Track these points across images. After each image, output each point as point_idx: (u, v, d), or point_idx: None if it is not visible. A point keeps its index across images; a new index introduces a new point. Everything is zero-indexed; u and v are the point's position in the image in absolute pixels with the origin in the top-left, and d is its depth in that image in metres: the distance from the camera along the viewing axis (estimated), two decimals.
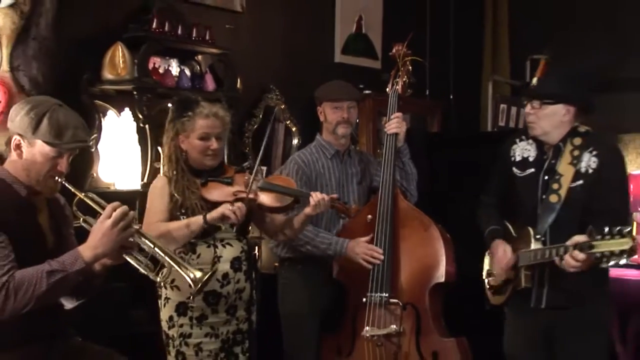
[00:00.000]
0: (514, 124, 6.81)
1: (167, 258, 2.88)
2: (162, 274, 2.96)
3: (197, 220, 3.38)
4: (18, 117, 2.81)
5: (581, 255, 3.11)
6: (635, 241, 3.08)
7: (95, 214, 2.85)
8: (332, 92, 4.14)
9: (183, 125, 3.49)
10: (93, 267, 2.85)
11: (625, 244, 3.02)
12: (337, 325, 4.06)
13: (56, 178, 2.86)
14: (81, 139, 2.89)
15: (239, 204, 3.36)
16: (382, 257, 3.85)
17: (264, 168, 5.22)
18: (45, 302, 2.69)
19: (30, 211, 2.90)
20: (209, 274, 2.98)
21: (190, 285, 2.93)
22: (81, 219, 2.94)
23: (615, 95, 6.83)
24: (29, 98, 3.01)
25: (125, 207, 2.76)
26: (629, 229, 3.05)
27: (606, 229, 3.04)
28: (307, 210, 3.58)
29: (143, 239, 2.88)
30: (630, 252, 3.05)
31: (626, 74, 7.00)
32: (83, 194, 2.89)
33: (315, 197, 3.52)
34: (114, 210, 2.74)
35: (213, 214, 3.37)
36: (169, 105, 4.32)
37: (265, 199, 3.51)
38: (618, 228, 3.04)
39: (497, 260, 3.60)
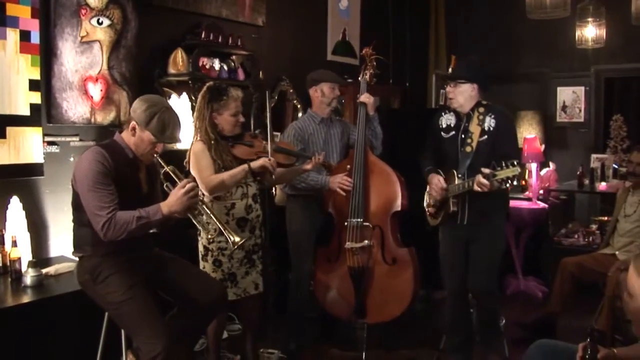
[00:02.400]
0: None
1: (217, 223, 2.90)
2: (211, 232, 3.06)
3: (244, 169, 3.35)
4: (138, 111, 2.81)
5: (485, 181, 3.21)
6: (527, 181, 3.19)
7: (173, 181, 2.89)
8: (331, 78, 4.11)
9: (219, 105, 3.41)
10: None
11: (515, 171, 3.13)
12: (328, 241, 4.11)
13: (154, 154, 2.90)
14: (175, 138, 2.90)
15: (273, 159, 3.36)
16: (351, 185, 3.89)
17: (277, 134, 5.25)
18: (133, 235, 2.72)
19: (134, 168, 2.92)
20: (244, 240, 2.99)
21: (232, 244, 2.93)
22: (165, 185, 2.97)
23: (513, 85, 6.96)
24: (149, 97, 2.93)
25: (194, 183, 2.79)
26: (516, 161, 3.16)
27: (503, 163, 3.16)
28: (307, 167, 3.65)
29: (204, 206, 2.90)
30: (519, 177, 3.19)
31: (520, 70, 7.10)
32: (169, 167, 2.88)
33: (315, 159, 3.61)
34: (188, 183, 2.77)
35: (255, 164, 3.35)
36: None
37: (279, 157, 3.51)
38: (510, 162, 3.15)
39: (433, 185, 3.65)
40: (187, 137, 4.40)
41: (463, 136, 3.60)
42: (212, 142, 3.41)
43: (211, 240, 3.47)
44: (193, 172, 3.40)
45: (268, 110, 3.65)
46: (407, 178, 4.04)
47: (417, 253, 4.00)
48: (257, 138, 3.61)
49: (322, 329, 4.42)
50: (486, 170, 3.22)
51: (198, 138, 3.45)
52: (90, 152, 2.79)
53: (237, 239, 2.91)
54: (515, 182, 3.19)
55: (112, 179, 2.74)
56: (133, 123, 2.84)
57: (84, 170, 2.73)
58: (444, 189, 3.59)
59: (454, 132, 3.66)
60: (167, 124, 2.82)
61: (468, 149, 3.55)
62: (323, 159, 3.73)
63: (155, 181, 3.05)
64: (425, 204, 3.87)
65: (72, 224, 2.93)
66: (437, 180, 3.63)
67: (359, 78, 4.17)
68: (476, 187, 3.29)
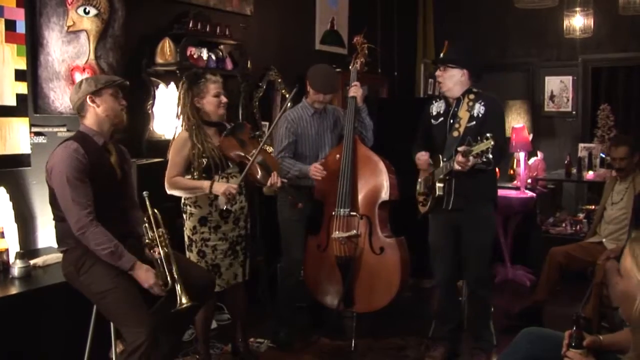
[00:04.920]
0: (437, 92, 6.87)
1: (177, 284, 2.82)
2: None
3: (204, 188, 3.33)
4: (82, 86, 2.86)
5: (462, 158, 3.27)
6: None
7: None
8: (318, 86, 3.99)
9: (199, 89, 3.40)
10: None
11: (489, 143, 3.16)
12: (317, 230, 4.11)
13: (123, 110, 2.93)
14: (120, 79, 2.96)
15: (235, 193, 3.31)
16: (324, 173, 3.84)
17: (266, 123, 5.23)
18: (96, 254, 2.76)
19: (105, 155, 2.92)
20: (190, 305, 2.80)
21: (178, 300, 2.80)
22: (151, 249, 2.95)
23: (501, 74, 6.99)
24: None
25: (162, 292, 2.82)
26: (489, 135, 3.18)
27: (478, 138, 3.22)
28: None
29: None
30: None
31: (508, 59, 7.13)
32: (152, 212, 2.95)
33: (273, 179, 3.45)
34: (159, 287, 2.81)
35: (217, 188, 3.30)
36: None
37: (257, 173, 3.42)
38: (484, 136, 3.20)
39: (420, 161, 3.71)
40: (176, 128, 4.42)
41: (452, 121, 3.61)
42: (194, 127, 3.40)
43: (194, 231, 3.48)
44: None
45: (276, 119, 3.57)
46: (396, 167, 4.03)
47: (409, 242, 4.00)
48: (254, 140, 3.57)
49: (312, 318, 4.43)
50: (461, 148, 3.27)
51: (184, 127, 3.46)
52: (67, 148, 2.78)
53: (184, 301, 2.80)
54: (490, 156, 3.21)
55: (87, 174, 2.75)
56: (90, 96, 2.85)
57: (62, 165, 2.73)
58: (430, 163, 3.63)
59: (442, 119, 3.68)
60: (107, 75, 2.93)
61: (455, 133, 3.57)
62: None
63: (126, 166, 3.06)
64: (417, 194, 3.87)
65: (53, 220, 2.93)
66: (420, 155, 3.67)
67: (350, 67, 4.15)
68: (456, 166, 3.34)
